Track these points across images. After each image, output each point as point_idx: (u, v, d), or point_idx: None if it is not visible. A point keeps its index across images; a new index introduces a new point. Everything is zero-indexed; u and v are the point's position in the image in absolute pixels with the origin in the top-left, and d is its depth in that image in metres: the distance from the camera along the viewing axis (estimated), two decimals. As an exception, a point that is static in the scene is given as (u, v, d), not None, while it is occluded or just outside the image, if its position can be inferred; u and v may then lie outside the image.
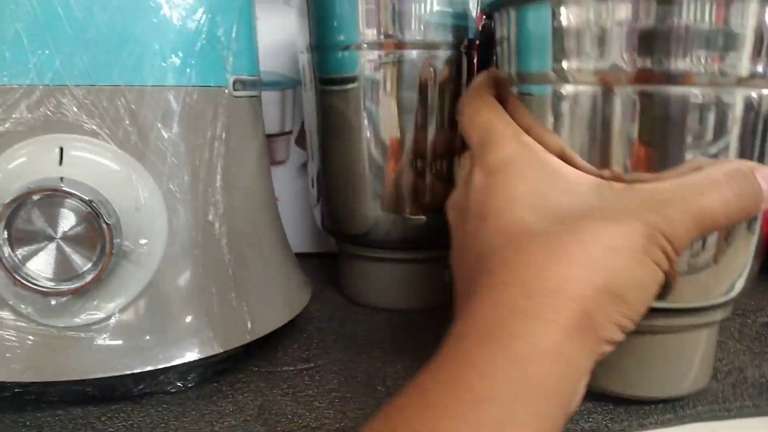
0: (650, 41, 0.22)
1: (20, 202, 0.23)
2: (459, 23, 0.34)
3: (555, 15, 0.23)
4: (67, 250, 0.24)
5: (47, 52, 0.24)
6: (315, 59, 0.37)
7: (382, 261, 0.38)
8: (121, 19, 0.25)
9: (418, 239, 0.37)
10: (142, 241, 0.25)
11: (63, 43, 0.24)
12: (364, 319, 0.37)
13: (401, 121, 0.36)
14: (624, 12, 0.22)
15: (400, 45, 0.35)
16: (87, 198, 0.23)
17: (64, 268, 0.24)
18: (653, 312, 0.22)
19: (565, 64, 0.23)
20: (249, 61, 0.30)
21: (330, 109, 0.37)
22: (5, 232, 0.23)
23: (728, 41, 0.21)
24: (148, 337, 0.26)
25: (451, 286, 0.38)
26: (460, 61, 0.35)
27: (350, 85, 0.36)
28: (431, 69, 0.35)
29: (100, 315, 0.25)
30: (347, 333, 0.34)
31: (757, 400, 0.27)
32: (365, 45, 0.35)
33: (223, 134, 0.28)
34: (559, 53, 0.23)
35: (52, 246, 0.24)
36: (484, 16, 0.35)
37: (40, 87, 0.24)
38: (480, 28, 0.35)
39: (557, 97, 0.24)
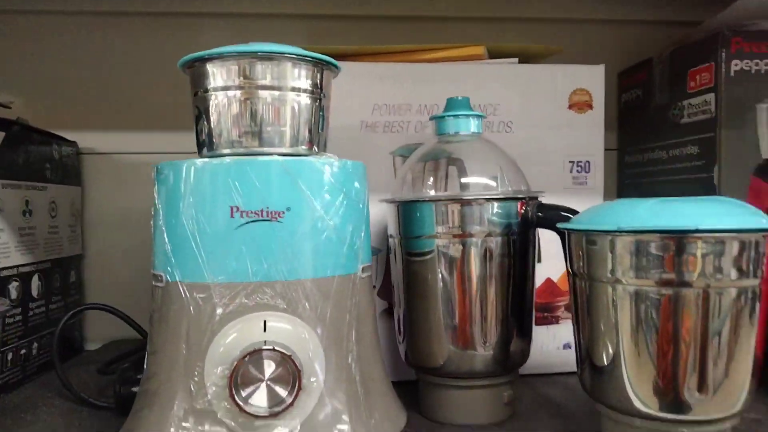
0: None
1: (238, 360, 0.37)
2: (506, 218, 0.49)
3: (612, 244, 0.39)
4: (273, 387, 0.37)
5: (259, 262, 0.39)
6: (402, 242, 0.52)
7: (454, 388, 0.50)
8: (304, 243, 0.40)
9: (482, 370, 0.50)
10: (312, 379, 0.39)
11: (270, 256, 0.39)
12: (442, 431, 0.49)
13: (466, 283, 0.49)
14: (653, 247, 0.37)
15: (464, 235, 0.49)
16: (288, 353, 0.37)
17: (270, 400, 0.37)
18: (686, 423, 0.37)
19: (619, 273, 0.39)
20: (368, 252, 0.45)
21: (413, 273, 0.51)
22: (233, 382, 0.37)
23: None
24: (313, 446, 0.38)
25: (509, 405, 0.50)
26: (508, 241, 0.50)
27: (428, 257, 0.50)
28: (487, 248, 0.49)
29: (286, 431, 0.38)
30: (433, 443, 0.47)
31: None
32: (438, 235, 0.50)
33: (355, 303, 0.42)
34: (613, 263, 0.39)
35: (263, 385, 0.37)
36: (526, 209, 0.50)
37: (253, 283, 0.39)
38: (521, 218, 0.50)
39: (614, 290, 0.39)
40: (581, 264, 0.42)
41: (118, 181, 0.81)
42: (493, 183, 0.50)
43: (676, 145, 0.72)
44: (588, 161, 0.64)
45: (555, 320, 0.64)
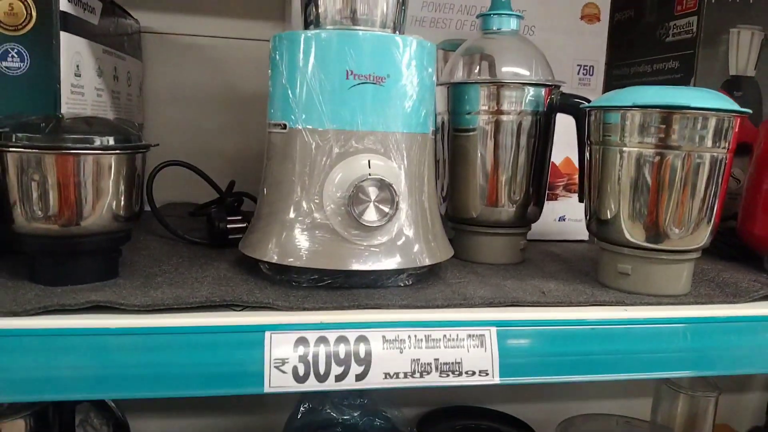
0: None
1: (355, 185, 0.50)
2: (535, 102, 0.63)
3: (624, 117, 0.52)
4: (379, 206, 0.50)
5: (366, 115, 0.51)
6: (450, 118, 0.65)
7: (483, 234, 0.65)
8: (398, 104, 0.52)
9: (505, 221, 0.65)
10: (403, 205, 0.52)
11: (373, 112, 0.51)
12: (475, 266, 0.64)
13: (500, 153, 0.63)
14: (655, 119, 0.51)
15: (500, 112, 0.62)
16: (389, 182, 0.50)
17: (377, 215, 0.50)
18: (667, 252, 0.52)
19: (627, 139, 0.52)
20: (434, 120, 0.58)
21: (458, 146, 0.65)
22: (350, 201, 0.50)
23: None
24: (397, 252, 0.52)
25: (523, 251, 0.66)
26: (536, 121, 0.63)
27: (471, 133, 0.64)
28: (520, 125, 0.63)
29: (382, 240, 0.52)
30: (468, 270, 0.61)
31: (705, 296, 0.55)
32: (481, 112, 0.63)
33: (426, 156, 0.56)
34: (623, 132, 0.53)
35: (371, 206, 0.50)
36: (551, 96, 0.63)
37: (359, 131, 0.51)
38: (546, 103, 0.63)
39: (621, 153, 0.53)
40: (599, 133, 0.56)
41: (172, 59, 0.91)
42: (527, 72, 0.63)
43: (660, 60, 0.86)
44: (592, 65, 0.77)
45: (554, 197, 0.78)
